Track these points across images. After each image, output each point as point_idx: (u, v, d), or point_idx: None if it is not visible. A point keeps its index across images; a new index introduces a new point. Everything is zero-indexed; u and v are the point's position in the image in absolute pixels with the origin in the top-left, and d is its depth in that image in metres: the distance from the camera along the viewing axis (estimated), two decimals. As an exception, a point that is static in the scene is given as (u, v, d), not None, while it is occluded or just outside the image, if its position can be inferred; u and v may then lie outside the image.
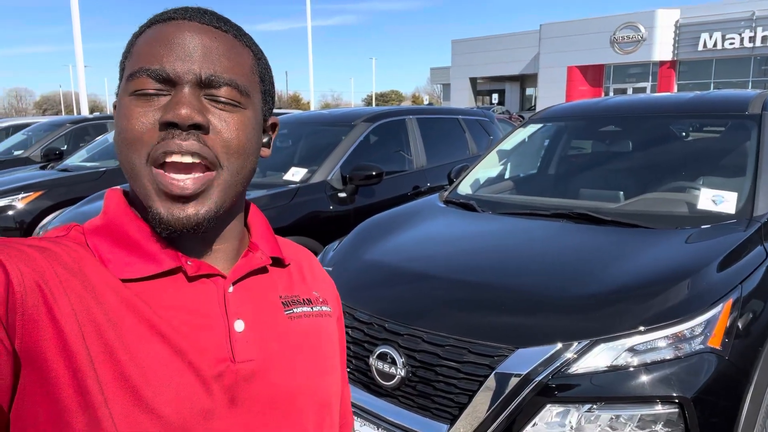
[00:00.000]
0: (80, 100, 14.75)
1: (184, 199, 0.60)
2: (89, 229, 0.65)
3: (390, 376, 1.87)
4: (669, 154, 2.98)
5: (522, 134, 3.59)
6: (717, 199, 2.37)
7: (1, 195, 5.02)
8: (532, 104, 36.35)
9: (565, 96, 28.61)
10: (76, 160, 6.21)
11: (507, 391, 1.64)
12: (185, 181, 0.59)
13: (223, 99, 0.62)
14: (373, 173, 3.98)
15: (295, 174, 4.01)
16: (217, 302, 0.65)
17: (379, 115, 4.67)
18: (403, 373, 1.84)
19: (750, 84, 25.21)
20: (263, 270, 0.71)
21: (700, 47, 26.06)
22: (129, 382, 0.56)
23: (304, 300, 0.74)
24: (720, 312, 1.69)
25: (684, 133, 3.14)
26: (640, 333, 1.63)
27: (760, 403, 1.72)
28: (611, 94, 28.84)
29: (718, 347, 1.63)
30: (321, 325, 0.75)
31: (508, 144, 3.55)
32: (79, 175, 5.52)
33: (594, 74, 29.53)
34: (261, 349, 0.65)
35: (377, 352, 1.91)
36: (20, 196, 5.03)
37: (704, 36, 25.89)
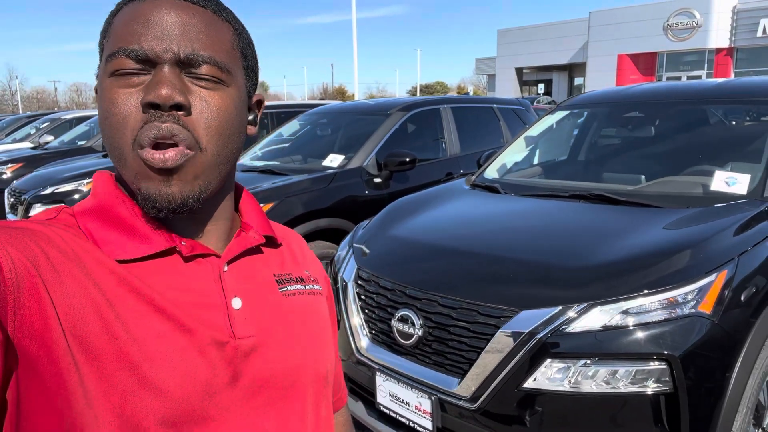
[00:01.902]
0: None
1: (167, 172, 0.59)
2: (80, 212, 0.64)
3: (409, 336, 2.08)
4: (691, 139, 3.06)
5: (549, 121, 3.72)
6: (730, 181, 2.46)
7: (68, 180, 5.51)
8: (581, 94, 35.52)
9: (615, 85, 27.86)
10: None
11: (510, 348, 1.83)
12: (166, 153, 0.59)
13: (204, 76, 0.61)
14: (407, 159, 4.18)
15: (333, 160, 4.26)
16: (214, 281, 0.65)
17: (414, 104, 4.86)
18: (420, 333, 2.05)
19: (814, 71, 23.93)
20: (256, 249, 0.73)
21: (759, 33, 24.88)
22: (131, 360, 0.56)
23: (297, 278, 0.76)
24: (713, 281, 1.82)
25: (708, 119, 3.19)
26: (635, 297, 1.79)
27: (751, 368, 1.84)
28: (665, 81, 27.86)
29: (708, 312, 1.77)
30: (313, 302, 0.77)
31: (535, 130, 3.68)
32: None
33: (646, 62, 28.64)
34: (259, 326, 0.67)
35: (398, 315, 2.13)
36: (85, 181, 5.49)
37: (764, 22, 24.69)
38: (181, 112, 0.60)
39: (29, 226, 0.58)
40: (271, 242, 0.76)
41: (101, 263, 0.59)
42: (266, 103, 7.77)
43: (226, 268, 0.67)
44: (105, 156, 6.68)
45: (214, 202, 0.68)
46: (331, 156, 4.31)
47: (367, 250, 2.54)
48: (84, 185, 5.48)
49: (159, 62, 0.60)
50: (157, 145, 0.59)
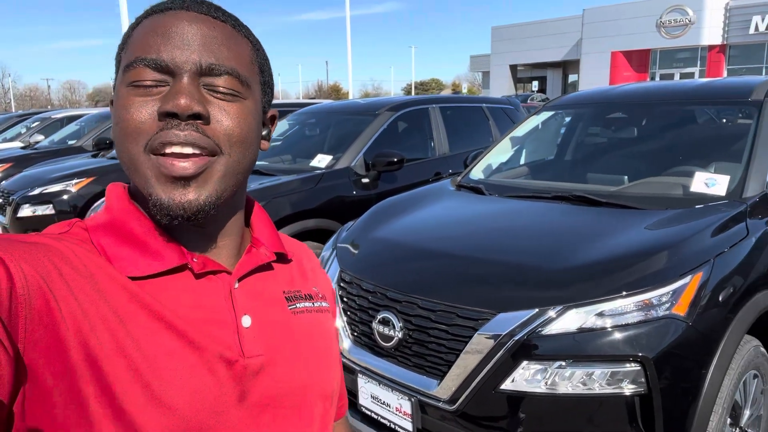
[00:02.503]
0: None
1: (185, 180, 0.59)
2: (92, 226, 0.64)
3: (389, 338, 2.10)
4: (673, 140, 3.09)
5: (535, 121, 3.74)
6: (710, 182, 2.48)
7: (57, 181, 5.50)
8: (576, 91, 35.58)
9: (609, 82, 27.97)
10: (124, 148, 6.63)
11: (488, 350, 1.84)
12: (186, 163, 0.59)
13: (222, 89, 0.62)
14: (395, 160, 4.19)
15: (321, 160, 4.27)
16: (224, 298, 0.65)
17: (403, 104, 4.87)
18: (400, 335, 2.07)
19: (805, 68, 24.06)
20: (267, 266, 0.72)
21: (752, 30, 25.02)
22: (141, 377, 0.56)
23: (305, 295, 0.75)
24: (688, 283, 1.84)
25: (690, 120, 3.22)
26: (610, 300, 1.81)
27: (726, 368, 1.87)
28: (657, 79, 28.06)
29: (682, 314, 1.79)
30: (321, 320, 0.76)
31: (521, 131, 3.70)
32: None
33: (639, 59, 28.73)
34: (268, 344, 0.67)
35: (379, 317, 2.14)
36: (74, 181, 5.48)
37: (756, 19, 24.83)
38: (200, 121, 0.59)
39: (43, 241, 0.58)
40: (282, 258, 0.75)
41: (113, 280, 0.59)
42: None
43: (236, 285, 0.67)
44: (95, 156, 6.67)
45: (225, 216, 0.68)
46: (319, 156, 4.32)
47: (354, 251, 2.55)
48: (73, 186, 5.47)
49: (178, 72, 0.60)
50: (171, 155, 0.58)
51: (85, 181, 5.51)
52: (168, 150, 0.58)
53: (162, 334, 0.59)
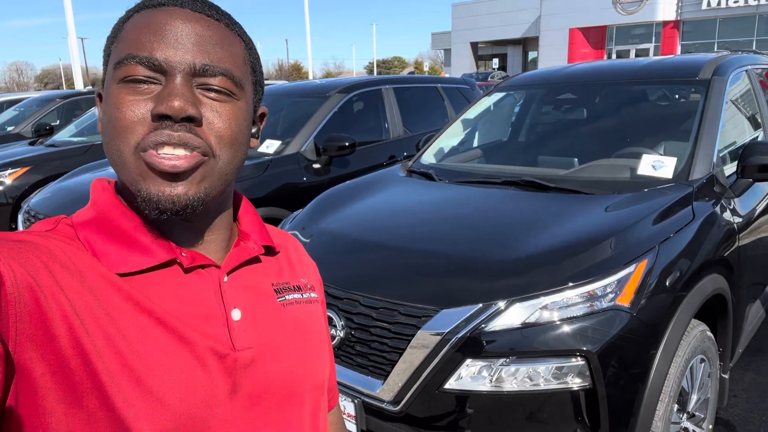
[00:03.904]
0: (74, 74, 14.72)
1: (175, 176, 0.59)
2: (79, 223, 0.64)
3: (331, 338, 1.99)
4: (622, 120, 3.04)
5: (486, 102, 3.65)
6: (657, 165, 2.44)
7: (-10, 171, 5.16)
8: (536, 69, 35.82)
9: (567, 59, 28.21)
10: (65, 135, 6.30)
11: (430, 349, 1.76)
12: (176, 161, 0.58)
13: (216, 88, 0.61)
14: (346, 144, 4.06)
15: (269, 146, 4.10)
16: (214, 292, 0.65)
17: (354, 85, 4.72)
18: (342, 335, 1.97)
19: (755, 43, 24.74)
20: (255, 259, 0.72)
21: (704, 6, 25.49)
22: (133, 373, 0.56)
23: (294, 287, 0.76)
24: (632, 272, 1.79)
25: (639, 100, 3.18)
26: (554, 292, 1.74)
27: (672, 356, 1.84)
28: (614, 56, 28.42)
29: (626, 305, 1.74)
30: (310, 311, 0.76)
31: (472, 113, 3.61)
32: (66, 150, 5.63)
33: (596, 36, 29.02)
34: (258, 337, 0.67)
35: (320, 316, 2.03)
36: (8, 172, 5.15)
37: (708, -6, 25.32)
38: (193, 123, 0.59)
39: (30, 239, 0.58)
40: (269, 251, 0.75)
41: (102, 276, 0.59)
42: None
43: (225, 279, 0.67)
44: (33, 143, 6.30)
45: (214, 211, 0.68)
46: (267, 141, 4.15)
47: (307, 239, 2.43)
48: (7, 176, 5.14)
49: (172, 72, 0.59)
50: (164, 155, 0.58)
51: (20, 171, 5.19)
52: (160, 151, 0.58)
53: (152, 329, 0.59)
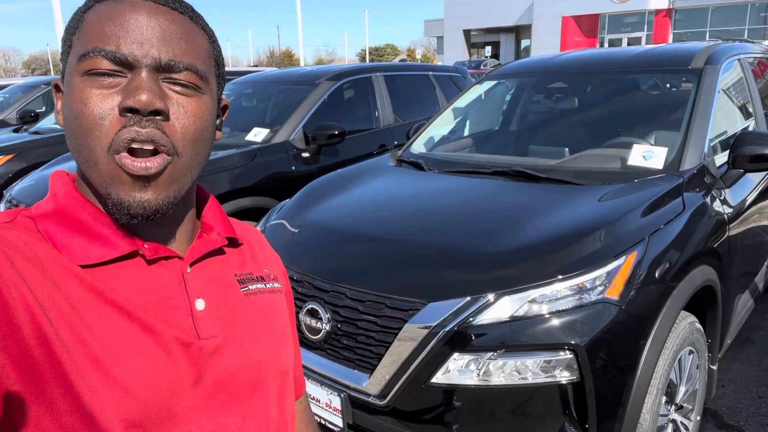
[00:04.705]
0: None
1: (146, 180, 0.60)
2: (38, 215, 0.64)
3: (317, 330, 1.97)
4: (614, 109, 3.01)
5: (477, 91, 3.61)
6: (647, 155, 2.42)
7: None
8: (528, 57, 35.66)
9: (559, 47, 28.14)
10: (49, 122, 6.18)
11: (417, 342, 1.74)
12: (145, 163, 0.59)
13: (182, 82, 0.62)
14: (335, 132, 4.00)
15: (257, 134, 4.04)
16: (177, 283, 0.66)
17: (344, 73, 4.66)
18: (328, 328, 1.94)
19: (746, 32, 24.77)
20: (218, 250, 0.73)
21: (696, -6, 25.48)
22: (98, 363, 0.57)
23: (257, 277, 0.77)
24: (621, 264, 1.77)
25: (631, 89, 3.15)
26: (543, 285, 1.72)
27: (660, 349, 1.82)
28: (606, 44, 28.36)
29: (615, 298, 1.72)
30: (273, 300, 0.78)
31: (463, 101, 3.57)
32: (50, 137, 5.51)
33: (589, 24, 28.94)
34: (223, 326, 0.68)
35: (306, 308, 2.00)
36: (-12, 162, 5.05)
37: (701, -18, 25.27)
38: (159, 117, 0.59)
39: None
40: (232, 242, 0.76)
41: (64, 268, 0.59)
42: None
43: (189, 270, 0.68)
44: (16, 131, 6.18)
45: (177, 205, 0.67)
46: (255, 130, 4.09)
47: (282, 235, 2.39)
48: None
49: (138, 66, 0.59)
50: (132, 151, 0.58)
51: (3, 158, 5.09)
52: (130, 153, 0.58)
53: (116, 319, 0.59)
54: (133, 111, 0.58)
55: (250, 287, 0.74)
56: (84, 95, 0.58)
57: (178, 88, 0.62)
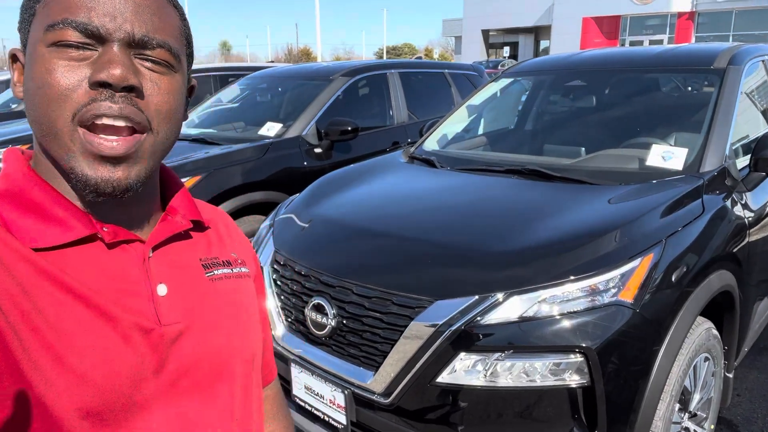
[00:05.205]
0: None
1: (115, 160, 0.57)
2: None
3: (322, 326, 1.94)
4: (633, 109, 2.95)
5: (493, 88, 3.55)
6: (666, 156, 2.35)
7: (-7, 149, 5.11)
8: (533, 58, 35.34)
9: (579, 49, 27.85)
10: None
11: (423, 340, 1.70)
12: (114, 143, 0.57)
13: (155, 59, 0.60)
14: (348, 128, 3.97)
15: (270, 129, 4.02)
16: (138, 267, 0.64)
17: (359, 69, 4.62)
18: (333, 323, 1.91)
19: (771, 36, 24.30)
20: (183, 234, 0.71)
21: (721, -3, 25.07)
22: (52, 351, 0.55)
23: (223, 262, 0.75)
24: (636, 266, 1.72)
25: (651, 89, 3.08)
26: (554, 286, 1.67)
27: (675, 354, 1.76)
28: (627, 46, 28.02)
29: (629, 300, 1.67)
30: (241, 285, 0.76)
31: (478, 99, 3.52)
32: None
33: (610, 26, 28.63)
34: (186, 312, 0.66)
35: (312, 303, 1.98)
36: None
37: (725, -15, 24.86)
38: (133, 93, 0.57)
39: None
40: (198, 226, 0.74)
41: (16, 252, 0.56)
42: (214, 66, 7.37)
43: (151, 254, 0.66)
44: None
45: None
46: (269, 124, 4.07)
47: (291, 229, 2.36)
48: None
49: (109, 40, 0.57)
50: (98, 126, 0.56)
51: (22, 148, 5.14)
52: (99, 122, 0.56)
53: (71, 306, 0.57)
54: (105, 85, 0.56)
55: (216, 272, 0.72)
56: (50, 65, 0.56)
57: (149, 64, 0.60)
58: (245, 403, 0.73)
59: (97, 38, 0.57)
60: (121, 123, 0.57)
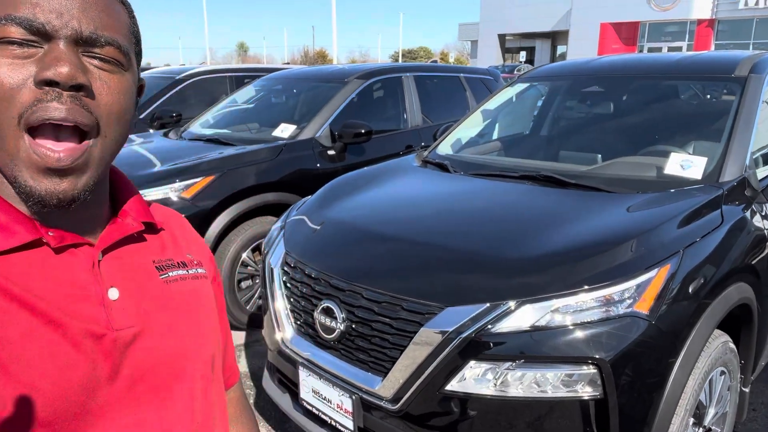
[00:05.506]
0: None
1: (61, 172, 0.55)
2: None
3: (331, 330, 1.92)
4: (652, 116, 2.90)
5: (509, 93, 3.52)
6: (685, 164, 2.31)
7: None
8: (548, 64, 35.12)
9: (597, 54, 27.64)
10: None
11: (433, 347, 1.68)
12: (61, 154, 0.55)
13: (105, 57, 0.58)
14: (362, 131, 3.96)
15: (284, 130, 4.02)
16: (87, 272, 0.62)
17: (374, 72, 4.61)
18: (342, 327, 1.89)
19: (793, 45, 23.93)
20: (135, 236, 0.70)
21: (741, 5, 24.73)
22: None
23: (178, 263, 0.73)
24: (653, 277, 1.68)
25: (670, 96, 3.03)
26: (568, 295, 1.64)
27: (691, 368, 1.73)
28: (645, 53, 27.77)
29: (645, 312, 1.63)
30: (197, 287, 0.74)
31: (493, 103, 3.49)
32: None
33: (628, 32, 28.38)
34: (139, 316, 0.64)
35: (321, 307, 1.96)
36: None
37: (746, -8, 24.53)
38: (81, 93, 0.55)
39: None
40: (151, 228, 0.72)
41: None
42: (230, 66, 7.41)
43: (101, 258, 0.64)
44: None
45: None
46: (282, 126, 4.07)
47: (302, 231, 2.35)
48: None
49: (55, 37, 0.54)
50: (49, 128, 0.54)
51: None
52: (42, 139, 0.54)
53: (15, 314, 0.55)
54: (52, 84, 0.53)
55: (170, 274, 0.71)
56: None
57: (97, 62, 0.57)
58: (206, 407, 0.71)
59: (43, 35, 0.54)
60: (68, 124, 0.54)
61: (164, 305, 0.68)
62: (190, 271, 0.74)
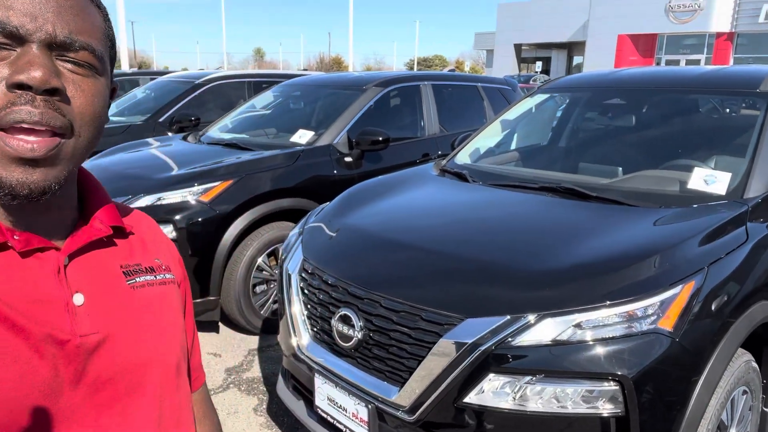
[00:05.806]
0: (120, 55, 15.10)
1: (33, 162, 0.55)
2: None
3: (348, 338, 1.92)
4: (674, 130, 2.87)
5: (528, 104, 3.51)
6: (709, 179, 2.28)
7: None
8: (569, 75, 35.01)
9: (614, 66, 27.51)
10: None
11: (451, 359, 1.66)
12: (35, 144, 0.55)
13: (79, 61, 0.58)
14: (380, 138, 3.97)
15: (302, 136, 4.04)
16: (53, 277, 0.62)
17: (392, 80, 4.62)
18: (360, 336, 1.89)
19: (814, 59, 23.65)
20: (103, 241, 0.69)
21: (761, 19, 24.49)
22: None
23: (146, 268, 0.73)
24: (677, 293, 1.66)
25: (692, 110, 3.00)
26: (590, 310, 1.62)
27: (714, 387, 1.69)
28: (663, 65, 27.58)
29: (669, 329, 1.60)
30: (164, 292, 0.74)
31: (512, 114, 3.48)
32: (105, 129, 5.67)
33: (646, 44, 28.22)
34: (104, 322, 0.64)
35: (339, 314, 1.96)
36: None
37: (766, 7, 24.28)
38: (56, 97, 0.56)
39: None
40: (120, 232, 0.72)
41: None
42: (248, 72, 7.47)
43: (67, 262, 0.63)
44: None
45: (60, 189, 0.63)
46: (300, 132, 4.09)
47: (320, 238, 2.35)
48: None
49: (29, 41, 0.54)
50: (22, 129, 0.54)
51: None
52: (17, 133, 0.54)
53: None
54: (24, 88, 0.53)
55: (138, 279, 0.71)
56: None
57: (70, 66, 0.58)
58: (171, 412, 0.71)
59: (16, 39, 0.54)
60: (40, 128, 0.55)
61: (129, 311, 0.68)
62: (158, 277, 0.74)
